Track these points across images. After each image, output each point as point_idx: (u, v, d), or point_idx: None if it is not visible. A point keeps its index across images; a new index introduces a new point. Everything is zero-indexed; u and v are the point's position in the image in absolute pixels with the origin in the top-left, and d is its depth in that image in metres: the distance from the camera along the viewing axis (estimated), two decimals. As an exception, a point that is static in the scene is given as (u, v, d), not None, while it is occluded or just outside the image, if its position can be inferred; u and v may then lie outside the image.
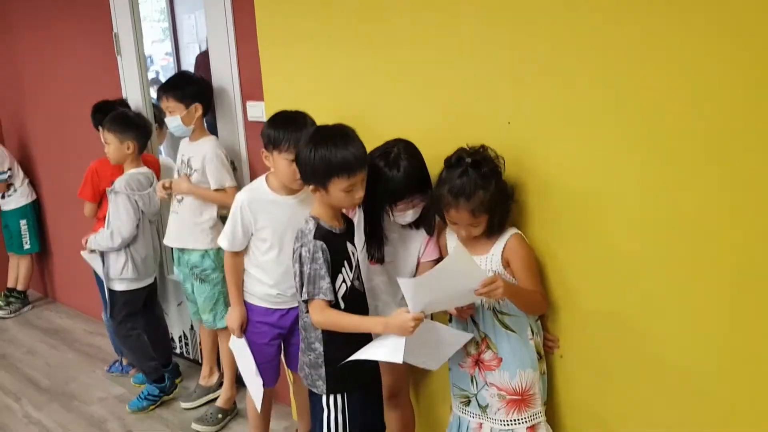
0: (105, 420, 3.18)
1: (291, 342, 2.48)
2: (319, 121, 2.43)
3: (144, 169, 3.14)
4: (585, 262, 1.90)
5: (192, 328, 3.59)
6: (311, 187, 1.95)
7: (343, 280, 1.97)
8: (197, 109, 2.90)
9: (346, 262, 1.99)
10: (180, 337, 3.70)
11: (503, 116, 1.96)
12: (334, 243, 1.95)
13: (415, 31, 2.13)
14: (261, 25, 2.61)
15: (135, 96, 3.50)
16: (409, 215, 2.07)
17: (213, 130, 3.12)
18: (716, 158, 1.61)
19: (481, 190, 1.84)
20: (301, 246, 1.94)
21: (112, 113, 3.13)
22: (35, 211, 4.46)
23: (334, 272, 1.94)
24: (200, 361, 3.61)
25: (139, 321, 3.25)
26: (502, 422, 1.97)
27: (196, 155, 2.90)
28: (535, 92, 1.89)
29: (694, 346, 1.74)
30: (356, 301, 2.02)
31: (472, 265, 1.82)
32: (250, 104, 2.88)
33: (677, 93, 1.63)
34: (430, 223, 2.13)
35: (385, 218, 2.12)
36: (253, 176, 2.97)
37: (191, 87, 2.93)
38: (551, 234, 1.95)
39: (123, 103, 3.43)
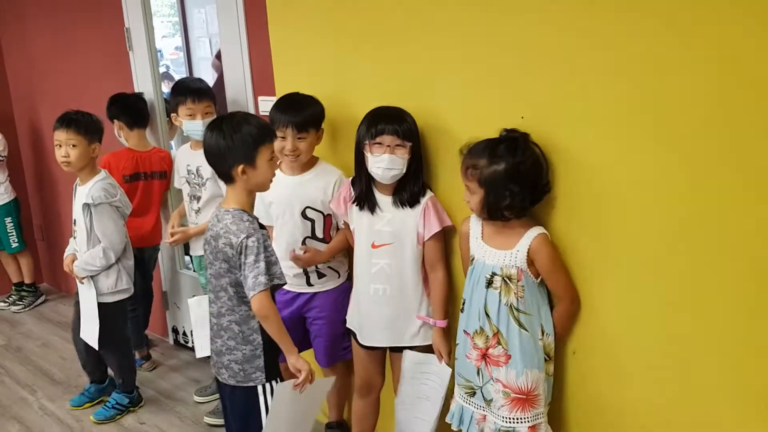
0: (119, 412, 3.21)
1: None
2: (333, 114, 2.46)
3: (104, 173, 2.94)
4: (602, 259, 1.89)
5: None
6: (239, 169, 2.00)
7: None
8: (212, 114, 2.98)
9: None
10: (191, 331, 3.72)
11: (517, 111, 1.96)
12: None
13: (428, 25, 2.13)
14: (272, 19, 2.62)
15: (147, 90, 3.51)
16: (384, 160, 2.11)
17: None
18: (739, 158, 1.59)
19: (483, 159, 1.86)
20: (246, 237, 1.97)
21: (74, 113, 2.89)
22: (18, 209, 4.45)
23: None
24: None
25: (127, 328, 3.18)
26: (505, 419, 1.97)
27: (205, 164, 2.90)
28: (549, 87, 1.88)
29: (712, 345, 1.73)
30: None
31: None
32: (262, 99, 2.89)
33: (699, 90, 1.62)
34: (416, 196, 2.18)
35: (378, 202, 2.22)
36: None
37: (212, 93, 3.01)
38: (567, 230, 1.94)
39: (140, 96, 3.44)
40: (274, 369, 2.13)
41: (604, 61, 1.76)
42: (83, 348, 3.12)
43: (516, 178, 1.86)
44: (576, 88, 1.83)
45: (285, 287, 2.37)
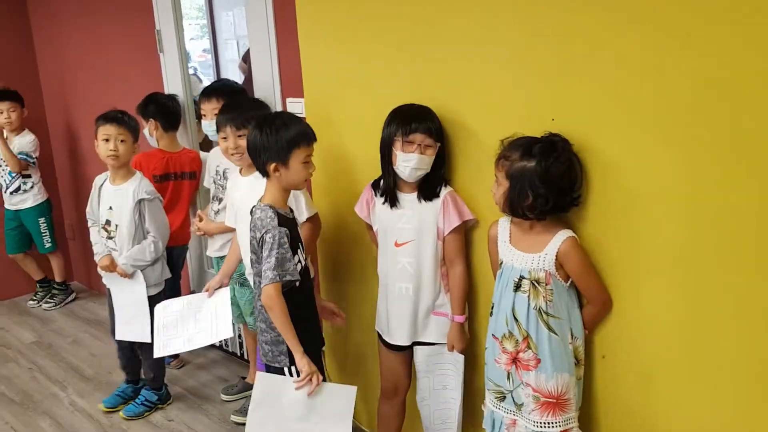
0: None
1: None
2: (359, 116, 2.47)
3: (138, 172, 3.06)
4: (631, 263, 1.87)
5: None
6: (272, 166, 2.13)
7: (299, 260, 2.20)
8: None
9: (300, 244, 2.23)
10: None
11: (547, 112, 1.95)
12: (290, 227, 2.18)
13: (457, 29, 2.13)
14: (302, 21, 2.63)
15: (176, 92, 3.56)
16: (413, 160, 2.13)
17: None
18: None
19: (516, 153, 1.87)
20: (266, 232, 2.11)
21: (119, 112, 2.99)
22: (50, 210, 4.51)
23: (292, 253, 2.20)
24: (238, 354, 3.68)
25: None
26: (536, 423, 1.96)
27: (231, 167, 2.93)
28: (580, 88, 1.88)
29: (743, 348, 1.70)
30: (306, 277, 2.27)
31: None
32: (290, 101, 2.91)
33: (730, 89, 1.60)
34: (435, 188, 2.21)
35: (400, 199, 2.25)
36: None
37: (241, 94, 3.02)
38: (596, 233, 1.93)
39: (175, 98, 3.49)
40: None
41: (635, 62, 1.75)
42: (128, 346, 3.19)
43: (544, 180, 1.84)
44: (606, 89, 1.82)
45: None
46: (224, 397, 3.30)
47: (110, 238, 3.01)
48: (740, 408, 1.74)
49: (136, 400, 3.21)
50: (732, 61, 1.58)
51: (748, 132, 1.59)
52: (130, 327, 3.04)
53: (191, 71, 6.54)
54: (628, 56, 1.76)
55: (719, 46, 1.60)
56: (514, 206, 1.90)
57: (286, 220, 2.17)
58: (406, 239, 2.26)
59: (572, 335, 1.96)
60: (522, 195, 1.87)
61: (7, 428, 3.14)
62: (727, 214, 1.66)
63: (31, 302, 4.68)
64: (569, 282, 1.95)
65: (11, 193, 4.36)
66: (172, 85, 3.59)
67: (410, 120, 2.15)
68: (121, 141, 2.91)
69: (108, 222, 3.01)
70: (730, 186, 1.64)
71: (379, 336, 2.44)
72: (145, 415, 3.18)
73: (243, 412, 3.09)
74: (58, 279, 4.69)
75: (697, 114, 1.66)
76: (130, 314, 3.03)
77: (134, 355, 3.23)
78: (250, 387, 3.26)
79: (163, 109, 3.37)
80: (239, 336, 3.62)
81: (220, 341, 3.76)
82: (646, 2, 1.70)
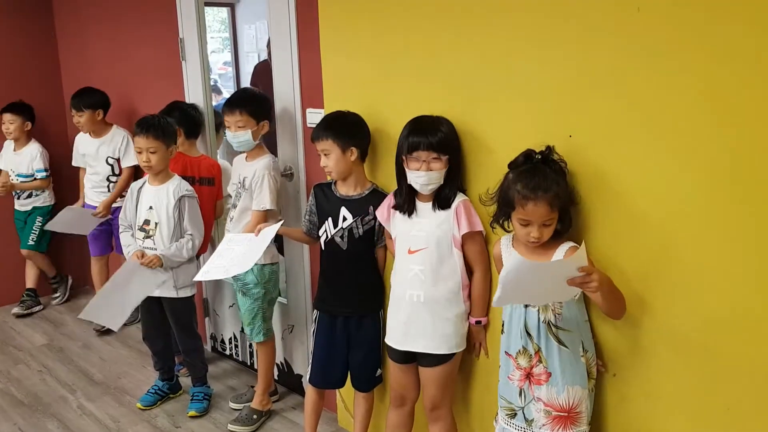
0: (155, 416, 3.25)
1: None
2: (378, 127, 2.48)
3: (175, 174, 3.13)
4: (643, 279, 1.86)
5: (243, 331, 3.63)
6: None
7: (325, 230, 2.53)
8: (264, 126, 2.94)
9: (330, 219, 2.52)
10: (230, 339, 3.76)
11: (564, 130, 1.95)
12: (324, 198, 2.57)
13: (478, 42, 2.14)
14: (324, 33, 2.65)
15: (197, 101, 3.58)
16: (422, 177, 2.15)
17: (272, 137, 3.18)
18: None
19: (556, 185, 1.85)
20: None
21: (152, 118, 3.02)
22: (50, 215, 4.44)
23: (320, 220, 2.56)
24: (248, 364, 3.66)
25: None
26: None
27: (250, 175, 2.94)
28: (597, 106, 1.87)
29: (760, 368, 1.68)
30: (332, 252, 2.55)
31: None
32: (310, 111, 2.92)
33: (750, 108, 1.60)
34: (448, 199, 2.22)
35: (417, 208, 2.28)
36: (310, 182, 3.00)
37: (264, 104, 2.97)
38: (610, 249, 1.92)
39: (197, 108, 3.51)
40: (318, 300, 2.65)
41: (650, 79, 1.75)
42: (161, 351, 3.32)
43: (569, 186, 1.90)
44: (621, 106, 1.82)
45: None
46: (233, 405, 3.29)
47: (148, 237, 3.05)
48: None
49: (195, 398, 3.28)
50: (751, 81, 1.57)
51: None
52: (107, 310, 3.01)
53: (212, 83, 6.60)
54: (647, 75, 1.75)
55: (739, 66, 1.59)
56: (568, 225, 1.91)
57: (327, 190, 2.59)
58: (419, 247, 2.26)
59: (583, 348, 1.94)
60: (568, 214, 1.89)
61: (15, 429, 3.14)
62: (742, 232, 1.65)
63: (54, 300, 4.73)
64: (578, 295, 1.93)
65: (24, 198, 4.47)
66: (193, 93, 3.61)
67: (414, 135, 2.17)
68: (152, 152, 2.95)
69: (147, 222, 3.06)
70: (745, 205, 1.63)
71: (388, 346, 2.42)
72: (158, 404, 3.32)
73: (240, 420, 3.09)
74: (50, 274, 4.71)
75: (713, 134, 1.66)
76: (118, 298, 3.00)
77: (170, 357, 3.38)
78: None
79: (187, 117, 3.39)
80: (249, 345, 3.61)
81: (230, 351, 3.76)
82: (673, 15, 1.70)
